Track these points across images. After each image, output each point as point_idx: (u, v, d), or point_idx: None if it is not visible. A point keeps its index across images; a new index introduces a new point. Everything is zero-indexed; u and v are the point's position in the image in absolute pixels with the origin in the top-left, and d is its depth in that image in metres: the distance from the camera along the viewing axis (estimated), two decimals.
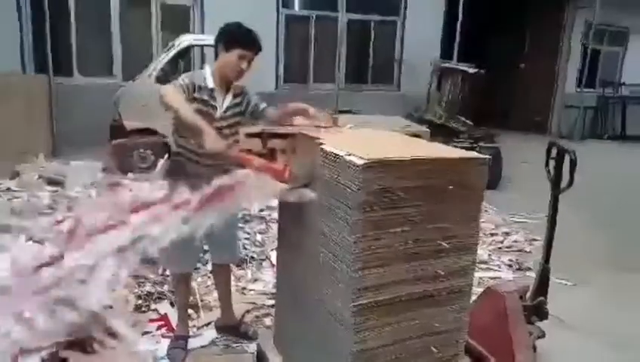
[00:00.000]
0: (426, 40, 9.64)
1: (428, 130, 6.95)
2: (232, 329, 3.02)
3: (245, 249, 4.12)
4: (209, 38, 7.23)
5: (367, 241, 1.84)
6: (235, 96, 2.62)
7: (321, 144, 2.07)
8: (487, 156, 2.00)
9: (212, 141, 2.27)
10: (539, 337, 2.83)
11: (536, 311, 2.85)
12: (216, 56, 2.58)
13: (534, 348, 2.75)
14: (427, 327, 2.03)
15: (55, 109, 7.41)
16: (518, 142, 9.43)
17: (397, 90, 10.13)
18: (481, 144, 6.94)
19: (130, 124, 6.60)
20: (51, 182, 5.27)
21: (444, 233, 1.96)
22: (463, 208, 1.98)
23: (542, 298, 2.86)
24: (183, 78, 2.47)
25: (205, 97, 2.51)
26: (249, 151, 5.27)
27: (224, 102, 2.58)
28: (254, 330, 2.99)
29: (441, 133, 7.11)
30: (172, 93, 2.36)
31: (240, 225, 4.38)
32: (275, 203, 4.93)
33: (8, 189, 4.97)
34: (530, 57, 12.63)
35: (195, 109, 2.42)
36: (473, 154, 2.04)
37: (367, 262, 1.85)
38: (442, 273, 1.99)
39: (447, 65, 8.47)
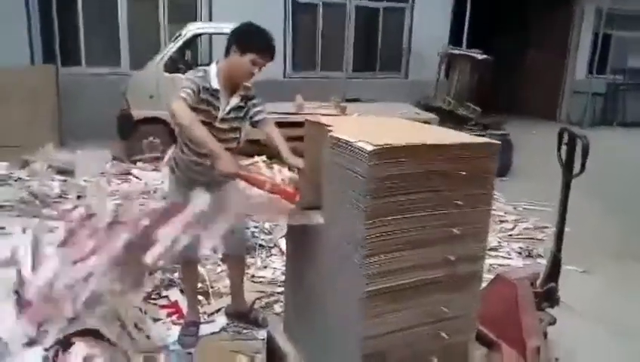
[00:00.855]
0: (435, 27, 9.55)
1: (436, 117, 6.92)
2: (243, 316, 3.04)
3: (254, 237, 4.13)
4: (216, 27, 7.24)
5: (377, 228, 1.83)
6: (241, 98, 2.58)
7: (330, 131, 2.06)
8: (497, 141, 1.99)
9: (224, 163, 2.29)
10: (550, 324, 2.81)
11: (547, 297, 2.83)
12: (227, 52, 2.50)
13: (545, 335, 2.74)
14: (438, 313, 2.03)
15: (63, 99, 7.42)
16: (527, 130, 9.36)
17: (405, 77, 10.06)
18: (491, 131, 6.88)
19: (138, 113, 6.62)
20: (61, 171, 5.30)
21: (455, 219, 1.95)
22: (473, 194, 1.96)
23: (553, 284, 2.84)
24: (190, 85, 2.39)
25: (209, 98, 2.48)
26: (257, 141, 5.28)
27: (228, 105, 2.54)
28: (264, 317, 3.01)
29: (449, 120, 7.06)
30: (182, 109, 2.30)
31: None
32: None
33: (19, 178, 5.01)
34: (539, 44, 12.47)
35: (198, 110, 2.41)
36: (484, 139, 2.02)
37: (377, 249, 1.84)
38: (453, 259, 1.97)
39: (455, 51, 8.40)
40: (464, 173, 1.89)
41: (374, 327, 1.91)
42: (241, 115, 2.62)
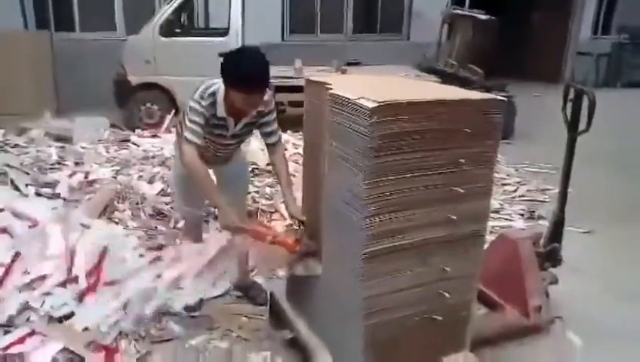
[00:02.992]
0: None
1: (438, 79, 6.79)
2: (243, 289, 3.01)
3: (255, 202, 4.10)
4: None
5: (378, 187, 1.79)
6: (247, 123, 2.44)
7: (330, 89, 2.00)
8: (502, 97, 1.93)
9: (226, 218, 2.30)
10: (551, 283, 2.81)
11: (550, 257, 2.82)
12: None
13: (547, 294, 2.74)
14: (440, 273, 2.01)
15: (58, 66, 7.30)
16: (531, 92, 9.22)
17: (407, 39, 9.85)
18: (493, 94, 6.76)
19: (134, 78, 6.53)
20: (58, 138, 5.25)
21: (458, 178, 1.91)
22: (478, 152, 1.91)
23: (555, 244, 2.83)
24: (197, 119, 2.25)
25: (217, 122, 2.37)
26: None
27: (236, 127, 2.43)
28: (264, 296, 2.89)
29: (451, 82, 6.92)
30: (193, 159, 2.24)
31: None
32: None
33: (16, 145, 4.96)
34: (543, 4, 12.19)
35: (207, 132, 2.34)
36: (488, 95, 1.96)
37: (378, 209, 1.81)
38: (456, 218, 1.94)
39: (457, 11, 8.19)
40: (468, 130, 1.84)
41: (376, 287, 1.89)
42: (253, 128, 2.52)
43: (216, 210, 3.07)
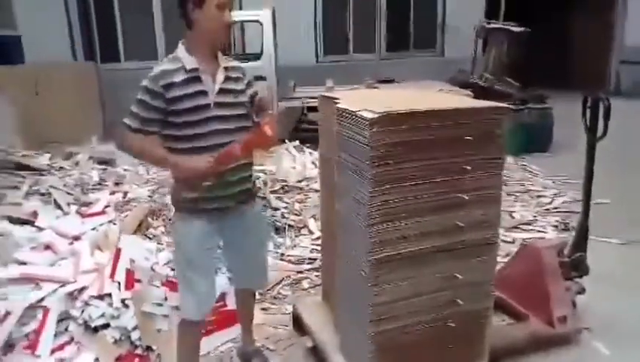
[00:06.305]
0: (469, 0, 9.28)
1: (471, 93, 6.75)
2: (247, 357, 2.59)
3: (284, 218, 4.19)
4: (246, 14, 7.30)
5: (382, 196, 1.85)
6: (227, 78, 2.07)
7: (337, 103, 2.07)
8: (505, 105, 1.95)
9: (185, 166, 1.98)
10: (579, 293, 2.75)
11: (575, 266, 2.76)
12: (188, 21, 2.08)
13: (574, 304, 2.68)
14: (451, 280, 2.02)
15: (104, 94, 7.72)
16: (572, 103, 8.97)
17: (441, 55, 9.83)
18: (530, 106, 6.67)
19: None
20: (101, 161, 5.53)
21: (463, 186, 1.94)
22: (482, 159, 1.94)
23: (581, 253, 2.76)
24: (142, 98, 2.08)
25: (192, 91, 2.00)
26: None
27: (216, 84, 2.04)
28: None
29: (487, 96, 6.87)
30: (128, 138, 2.13)
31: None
32: (312, 173, 4.98)
33: (61, 168, 5.27)
34: (583, 9, 11.86)
35: (187, 112, 2.00)
36: (489, 103, 1.98)
37: (382, 216, 1.86)
38: (463, 225, 1.96)
39: (491, 25, 8.14)
40: (470, 138, 1.87)
41: (384, 294, 1.93)
42: (245, 99, 2.13)
43: None
